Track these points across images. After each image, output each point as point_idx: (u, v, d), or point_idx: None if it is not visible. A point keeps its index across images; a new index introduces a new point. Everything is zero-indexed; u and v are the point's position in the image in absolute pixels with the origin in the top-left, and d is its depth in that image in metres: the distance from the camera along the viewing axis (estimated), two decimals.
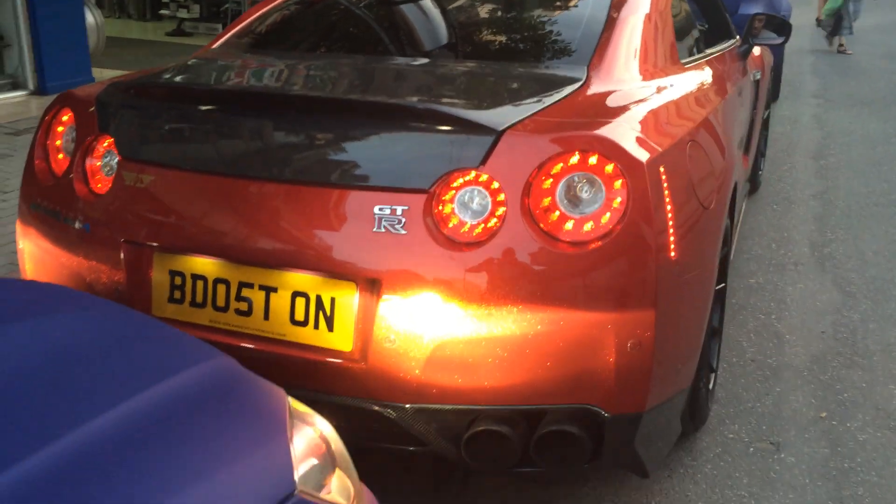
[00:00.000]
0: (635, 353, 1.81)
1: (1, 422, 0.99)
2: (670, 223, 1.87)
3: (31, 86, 7.12)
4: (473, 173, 1.81)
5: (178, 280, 2.00)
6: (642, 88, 2.26)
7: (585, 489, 2.25)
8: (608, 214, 1.79)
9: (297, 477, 1.08)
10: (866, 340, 3.17)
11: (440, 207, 1.82)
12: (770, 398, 2.75)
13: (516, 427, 1.86)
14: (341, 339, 1.86)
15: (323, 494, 1.14)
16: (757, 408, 2.69)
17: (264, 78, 2.34)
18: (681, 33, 2.92)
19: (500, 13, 2.78)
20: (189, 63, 2.48)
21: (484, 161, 1.80)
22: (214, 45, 2.71)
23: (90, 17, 7.73)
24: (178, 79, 2.27)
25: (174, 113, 2.06)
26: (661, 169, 1.87)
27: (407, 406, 1.85)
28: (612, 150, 1.80)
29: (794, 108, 7.73)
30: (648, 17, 2.54)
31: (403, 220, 1.80)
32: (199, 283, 1.98)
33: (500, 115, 1.86)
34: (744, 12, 7.38)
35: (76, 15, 7.30)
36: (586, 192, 1.81)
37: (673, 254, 1.87)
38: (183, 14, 11.44)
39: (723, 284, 2.69)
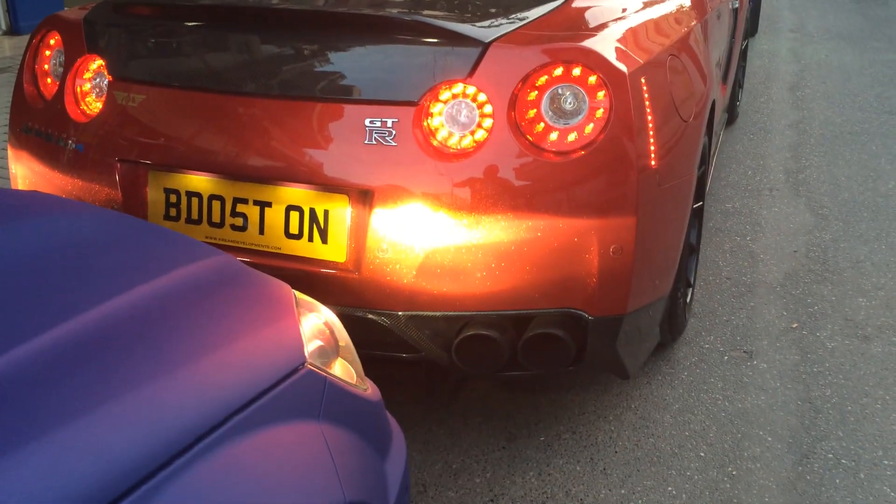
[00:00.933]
0: (617, 257, 1.89)
1: (9, 308, 1.03)
2: (651, 133, 1.93)
3: (3, 26, 7.00)
4: (461, 85, 1.86)
5: (173, 198, 2.05)
6: (625, 3, 2.30)
7: (569, 395, 2.37)
8: (591, 125, 1.86)
9: (306, 353, 1.15)
10: (837, 258, 3.30)
11: (429, 119, 1.87)
12: (744, 312, 2.87)
13: (504, 331, 1.95)
14: (335, 250, 1.93)
15: None
16: (732, 320, 2.81)
17: None
18: None
19: None
20: None
21: (471, 73, 1.85)
22: None
23: None
24: None
25: (163, 31, 2.08)
26: (643, 80, 1.93)
27: (400, 314, 1.93)
28: (594, 62, 1.86)
29: (773, 42, 7.77)
30: None
31: (394, 132, 1.86)
32: (195, 200, 2.03)
33: (487, 28, 1.91)
34: None
35: None
36: (570, 103, 1.87)
37: (653, 163, 1.94)
38: None
39: (700, 203, 2.78)
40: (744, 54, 5.10)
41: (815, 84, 6.19)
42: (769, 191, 4.02)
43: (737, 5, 4.26)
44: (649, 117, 1.93)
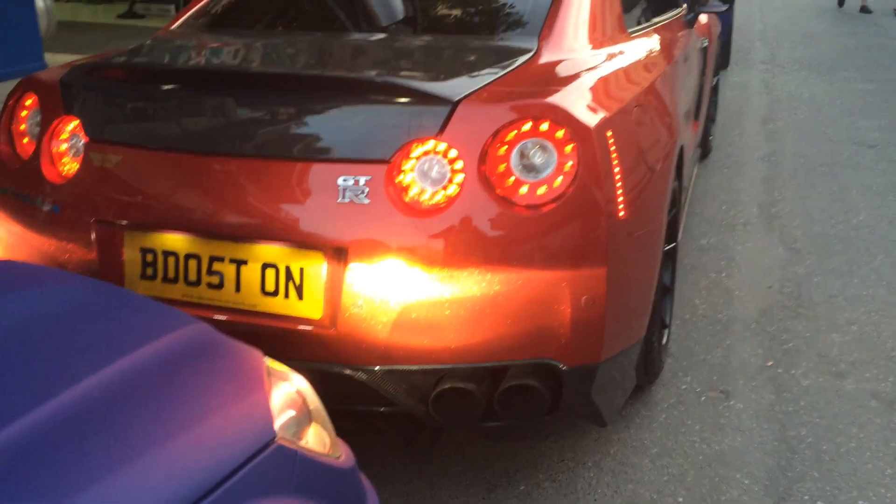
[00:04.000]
0: (589, 308, 1.92)
1: None
2: (619, 184, 1.98)
3: None
4: (432, 142, 1.89)
5: (149, 257, 2.06)
6: (591, 57, 2.36)
7: (547, 443, 2.38)
8: (560, 178, 1.90)
9: (276, 427, 1.17)
10: (810, 293, 3.35)
11: (401, 176, 1.90)
12: (720, 350, 2.90)
13: (480, 383, 1.97)
14: (311, 306, 1.95)
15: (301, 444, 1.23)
16: (708, 359, 2.84)
17: (226, 56, 2.39)
18: (628, 3, 3.02)
19: None
20: (149, 44, 2.52)
21: (442, 130, 1.89)
22: (173, 27, 2.75)
23: (39, 1, 7.60)
24: (140, 59, 2.32)
25: (139, 93, 2.11)
26: (609, 133, 1.98)
27: (376, 368, 1.95)
28: (561, 117, 1.90)
29: (744, 74, 7.92)
30: None
31: (367, 189, 1.89)
32: (171, 259, 2.04)
33: (456, 86, 1.95)
34: None
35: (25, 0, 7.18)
36: (539, 157, 1.91)
37: (622, 213, 1.98)
38: None
39: (673, 244, 2.82)
40: (715, 88, 5.20)
41: (786, 116, 6.30)
42: (743, 225, 4.08)
43: (706, 44, 4.35)
44: (616, 168, 1.97)
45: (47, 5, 7.73)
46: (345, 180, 1.90)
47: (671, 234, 2.80)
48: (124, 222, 2.05)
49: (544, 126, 1.90)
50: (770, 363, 2.82)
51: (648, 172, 2.17)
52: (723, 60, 7.13)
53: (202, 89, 2.05)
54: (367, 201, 1.89)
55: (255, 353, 1.32)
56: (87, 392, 1.07)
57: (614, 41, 2.57)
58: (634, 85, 2.34)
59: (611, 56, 2.42)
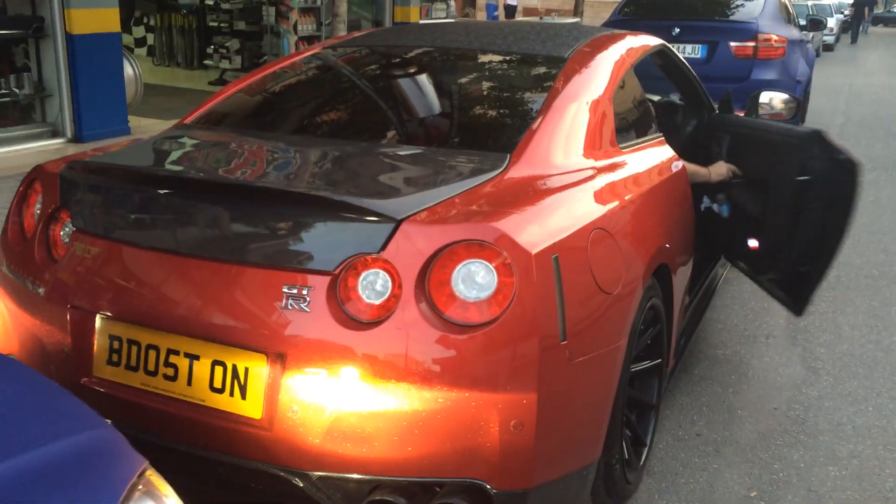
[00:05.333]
0: (518, 432, 1.92)
1: None
2: (560, 310, 1.99)
3: (69, 134, 7.54)
4: (374, 259, 1.96)
5: (116, 344, 2.18)
6: (564, 175, 2.39)
7: None
8: (497, 302, 1.92)
9: None
10: (817, 418, 3.20)
11: (343, 289, 1.97)
12: (706, 474, 2.80)
13: (412, 497, 1.98)
14: (253, 407, 2.01)
15: None
16: (690, 483, 2.75)
17: (195, 162, 2.54)
18: (627, 115, 3.05)
19: (443, 98, 2.96)
20: (140, 145, 2.67)
21: (384, 247, 1.95)
22: (188, 120, 2.92)
23: (129, 69, 8.17)
24: (121, 161, 2.45)
25: (116, 192, 2.26)
26: (555, 257, 2.00)
27: (311, 473, 1.99)
28: (503, 241, 1.94)
29: None
30: (587, 103, 2.68)
31: (308, 299, 1.96)
32: (134, 348, 2.15)
33: (403, 204, 2.01)
34: (757, 77, 7.48)
35: (115, 68, 7.74)
36: (478, 279, 1.94)
37: (562, 339, 1.99)
38: (225, 65, 11.96)
39: (658, 360, 2.77)
40: None
41: None
42: (765, 338, 3.95)
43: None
44: (559, 295, 1.99)
45: (136, 73, 8.31)
46: (289, 288, 1.98)
47: (657, 351, 2.76)
48: (96, 310, 2.18)
49: (484, 249, 1.94)
50: (754, 493, 2.70)
51: (604, 297, 2.16)
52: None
53: (167, 193, 2.18)
54: (308, 310, 1.96)
55: (132, 467, 1.38)
56: None
57: (600, 157, 2.60)
58: (600, 205, 2.35)
59: (586, 176, 2.44)
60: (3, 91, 7.27)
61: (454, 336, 1.91)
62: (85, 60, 7.39)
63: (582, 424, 2.15)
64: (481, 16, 28.06)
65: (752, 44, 7.49)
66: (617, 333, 2.26)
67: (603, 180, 2.48)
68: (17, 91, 7.35)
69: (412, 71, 3.11)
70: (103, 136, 7.54)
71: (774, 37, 7.57)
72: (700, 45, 7.51)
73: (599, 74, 2.88)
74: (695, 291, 3.56)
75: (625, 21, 8.10)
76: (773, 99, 4.06)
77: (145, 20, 14.23)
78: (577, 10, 14.86)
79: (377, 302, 1.96)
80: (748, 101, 4.09)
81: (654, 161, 2.96)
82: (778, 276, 3.37)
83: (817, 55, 19.97)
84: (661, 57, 3.70)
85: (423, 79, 3.03)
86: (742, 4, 8.12)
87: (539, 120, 2.52)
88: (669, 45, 3.72)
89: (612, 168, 2.60)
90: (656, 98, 4.16)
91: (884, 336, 4.01)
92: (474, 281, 1.94)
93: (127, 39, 14.09)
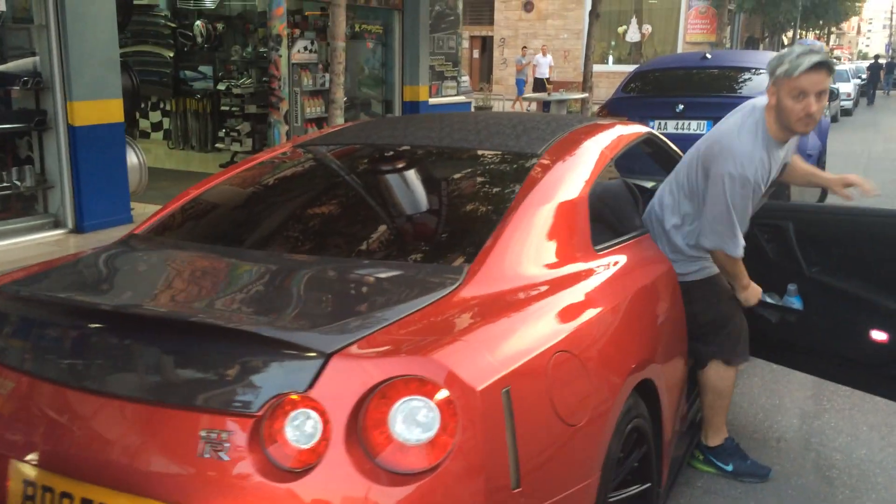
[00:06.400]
0: None
1: None
2: (512, 450, 1.76)
3: (69, 224, 7.49)
4: (300, 398, 1.75)
5: (30, 490, 1.98)
6: (525, 289, 2.18)
7: None
8: (438, 445, 1.71)
9: None
10: None
11: (267, 432, 1.76)
12: None
13: None
14: None
15: None
16: None
17: (117, 288, 2.35)
18: (606, 213, 2.85)
19: (402, 204, 2.79)
20: (64, 266, 2.46)
21: (311, 385, 1.74)
22: (140, 230, 2.75)
23: (133, 158, 8.16)
24: (34, 288, 2.23)
25: (26, 322, 2.09)
26: (506, 390, 1.79)
27: None
28: (445, 376, 1.73)
29: None
30: (558, 204, 2.48)
31: (227, 445, 1.75)
32: (48, 496, 1.95)
33: (334, 335, 1.81)
34: None
35: (117, 157, 7.73)
36: (417, 420, 1.72)
37: (515, 487, 1.75)
38: (236, 147, 12.02)
39: (648, 485, 2.50)
40: None
41: None
42: (776, 441, 3.64)
43: None
44: (510, 435, 1.76)
45: (140, 161, 8.31)
46: (207, 433, 1.77)
47: (646, 474, 2.49)
48: (9, 453, 1.99)
49: (424, 386, 1.73)
50: None
51: (566, 430, 1.93)
52: None
53: (78, 324, 2.01)
54: (226, 458, 1.74)
55: None
56: None
57: (573, 263, 2.39)
58: (568, 322, 2.13)
59: (552, 289, 2.23)
60: (5, 184, 7.28)
61: (390, 485, 1.69)
62: (86, 151, 7.39)
63: None
64: (498, 89, 28.40)
65: None
66: (586, 469, 2.01)
67: (571, 294, 2.26)
68: (18, 183, 7.35)
69: (371, 174, 2.95)
70: (105, 225, 7.49)
71: None
72: (705, 122, 7.35)
73: (575, 171, 2.70)
74: (694, 395, 3.30)
75: (628, 98, 7.99)
76: None
77: (162, 105, 14.46)
78: (585, 86, 14.71)
79: (306, 446, 1.74)
80: None
81: (637, 262, 2.75)
82: None
83: (835, 121, 19.82)
84: (649, 145, 3.53)
85: (383, 183, 2.86)
86: (749, 79, 7.98)
87: (503, 226, 2.33)
88: (657, 133, 3.55)
89: (584, 276, 2.38)
90: (650, 184, 3.98)
91: None
92: (414, 420, 1.72)
93: (144, 124, 14.40)
